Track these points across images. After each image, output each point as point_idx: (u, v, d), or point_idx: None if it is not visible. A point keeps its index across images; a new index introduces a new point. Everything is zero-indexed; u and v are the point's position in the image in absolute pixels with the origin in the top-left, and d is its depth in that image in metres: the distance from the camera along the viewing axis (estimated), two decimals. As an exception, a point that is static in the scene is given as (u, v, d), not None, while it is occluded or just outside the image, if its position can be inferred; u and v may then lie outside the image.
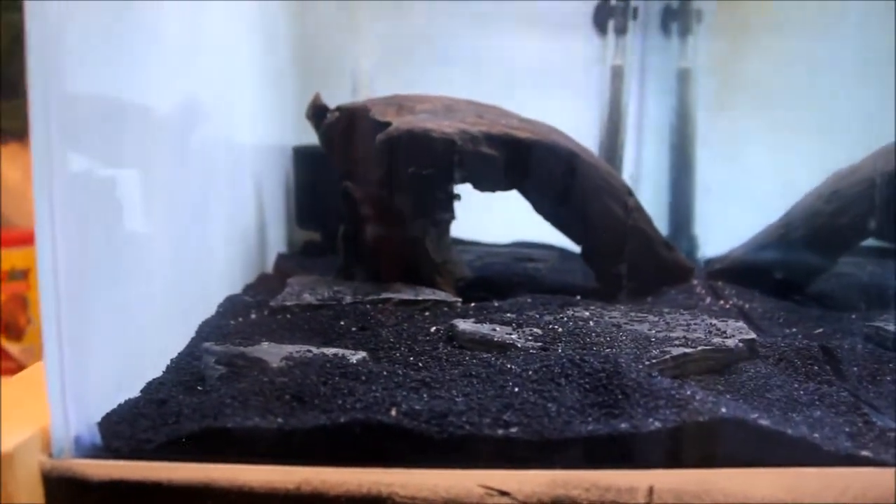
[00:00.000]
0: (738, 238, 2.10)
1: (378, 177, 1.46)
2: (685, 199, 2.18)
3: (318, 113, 1.61)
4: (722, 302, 1.59)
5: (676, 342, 1.17)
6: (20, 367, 1.65)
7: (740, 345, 1.18)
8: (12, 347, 2.04)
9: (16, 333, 2.06)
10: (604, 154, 2.15)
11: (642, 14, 2.17)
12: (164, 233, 1.24)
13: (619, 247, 1.60)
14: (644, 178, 2.22)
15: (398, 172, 1.45)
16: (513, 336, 1.20)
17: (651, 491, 0.90)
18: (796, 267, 1.68)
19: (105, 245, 1.02)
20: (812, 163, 2.07)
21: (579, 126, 2.15)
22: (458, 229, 1.66)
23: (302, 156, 2.04)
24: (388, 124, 1.46)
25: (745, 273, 1.73)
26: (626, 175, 2.12)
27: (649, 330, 1.24)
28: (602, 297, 1.57)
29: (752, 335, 1.23)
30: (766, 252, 1.72)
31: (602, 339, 1.18)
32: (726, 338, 1.20)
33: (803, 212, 1.70)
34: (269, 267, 1.86)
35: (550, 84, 2.17)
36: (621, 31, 2.17)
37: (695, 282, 1.71)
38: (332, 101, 1.63)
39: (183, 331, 1.29)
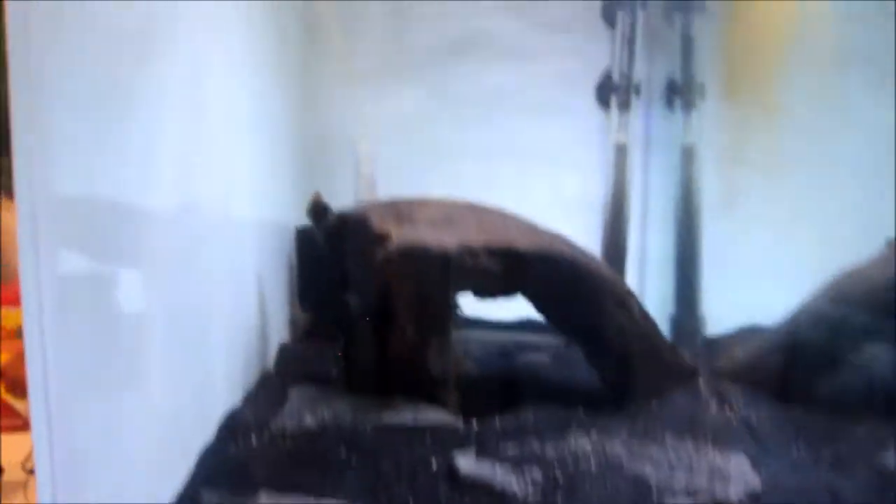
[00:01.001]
0: (744, 313, 2.10)
1: (377, 291, 1.45)
2: (692, 278, 2.16)
3: (318, 212, 1.60)
4: (728, 411, 1.57)
5: (677, 490, 1.16)
6: (26, 424, 1.65)
7: (743, 497, 1.16)
8: (18, 405, 2.04)
9: (21, 391, 2.06)
10: (608, 233, 2.14)
11: (645, 89, 2.16)
12: (162, 340, 1.19)
13: (623, 354, 1.59)
14: (650, 255, 2.20)
15: (397, 288, 1.44)
16: (512, 482, 1.19)
17: None
18: (804, 371, 1.66)
19: (97, 355, 0.98)
20: (819, 240, 2.06)
21: (584, 204, 2.16)
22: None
23: (304, 237, 2.03)
24: (386, 236, 1.45)
25: (752, 375, 1.71)
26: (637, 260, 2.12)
27: (651, 472, 1.22)
28: (605, 403, 1.55)
29: (755, 480, 1.21)
30: (773, 355, 1.70)
31: (601, 491, 1.17)
32: (728, 483, 1.19)
33: (810, 315, 1.68)
34: (271, 360, 1.85)
35: (555, 163, 2.16)
36: (624, 106, 2.15)
37: (700, 382, 1.69)
38: (335, 179, 1.62)
39: (182, 462, 1.28)
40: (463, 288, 1.50)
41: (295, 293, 2.07)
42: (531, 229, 1.58)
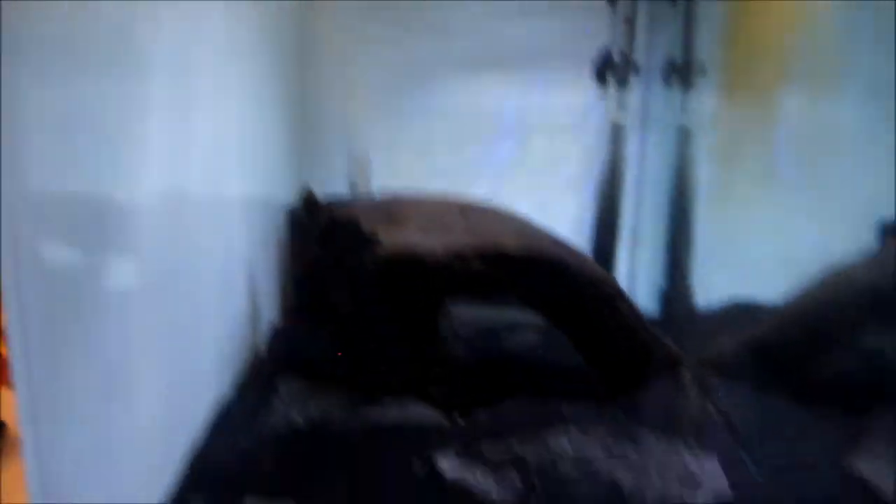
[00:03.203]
0: (735, 289, 2.11)
1: (366, 295, 1.48)
2: (683, 253, 2.17)
3: (310, 208, 1.61)
4: (708, 405, 1.60)
5: (648, 496, 1.20)
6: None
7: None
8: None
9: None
10: (601, 209, 2.14)
11: (644, 68, 2.13)
12: (152, 334, 1.20)
13: (608, 345, 1.61)
14: (643, 231, 2.21)
15: (387, 294, 1.46)
16: (491, 486, 1.23)
17: None
18: (788, 367, 1.69)
19: (84, 352, 0.98)
20: (814, 225, 2.06)
21: (579, 180, 2.16)
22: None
23: (296, 218, 2.04)
24: (376, 240, 1.47)
25: (736, 368, 1.74)
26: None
27: (623, 476, 1.26)
28: (591, 391, 1.59)
29: (724, 485, 1.25)
30: (758, 351, 1.73)
31: (576, 493, 1.21)
32: (697, 488, 1.23)
33: (796, 313, 1.70)
34: (262, 342, 1.88)
35: (550, 139, 2.15)
36: (622, 84, 2.13)
37: (683, 371, 1.72)
38: (329, 157, 1.60)
39: (171, 459, 1.31)
40: (452, 293, 1.52)
41: (287, 274, 2.09)
42: (522, 228, 1.59)
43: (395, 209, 1.54)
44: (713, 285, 2.20)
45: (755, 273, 2.08)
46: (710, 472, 1.29)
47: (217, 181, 1.58)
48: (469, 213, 1.58)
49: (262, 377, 1.69)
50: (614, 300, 1.59)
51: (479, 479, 1.25)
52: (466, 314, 2.01)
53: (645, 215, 2.21)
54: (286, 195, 2.03)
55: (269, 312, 2.00)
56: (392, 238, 1.47)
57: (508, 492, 1.23)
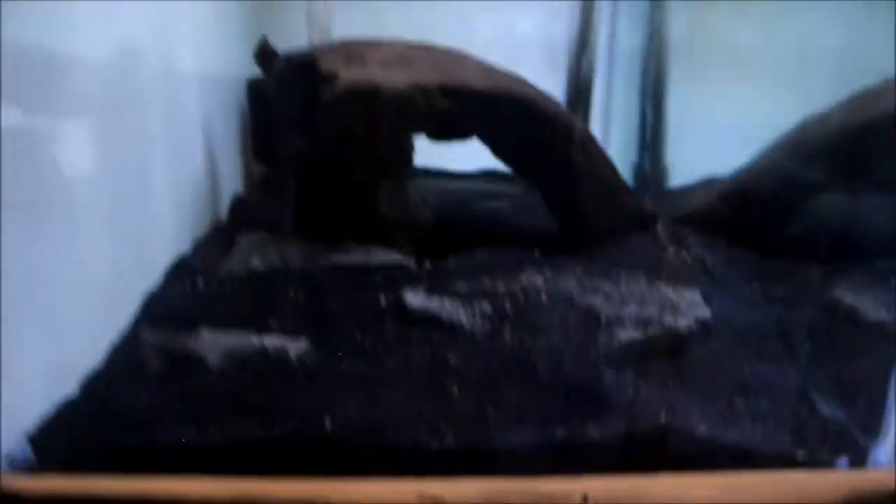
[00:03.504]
0: (709, 167, 2.06)
1: (326, 134, 1.40)
2: (656, 129, 2.12)
3: (266, 58, 1.53)
4: (684, 252, 1.56)
5: (628, 322, 1.16)
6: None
7: (692, 325, 1.16)
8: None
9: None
10: (572, 81, 2.07)
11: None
12: (98, 187, 1.16)
13: (582, 197, 1.56)
14: (615, 104, 2.15)
15: (347, 130, 1.39)
16: (461, 316, 1.18)
17: (586, 498, 0.90)
18: (761, 216, 1.64)
19: (25, 209, 0.94)
20: (791, 94, 2.00)
21: (548, 53, 2.08)
22: (424, 153, 1.60)
23: (256, 88, 1.95)
24: (335, 77, 1.39)
25: (711, 218, 1.69)
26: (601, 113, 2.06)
27: (602, 305, 1.22)
28: (561, 247, 1.54)
29: (706, 312, 1.21)
30: (732, 200, 1.68)
31: (551, 322, 1.16)
32: (679, 314, 1.19)
33: (769, 161, 1.65)
34: (224, 209, 1.81)
35: (518, 10, 2.07)
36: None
37: (658, 227, 1.67)
38: (287, 34, 1.54)
39: (126, 304, 1.25)
40: (416, 129, 1.45)
41: (249, 145, 2.02)
42: (488, 70, 1.51)
43: (354, 50, 1.46)
44: (686, 164, 2.16)
45: (730, 151, 2.01)
46: (691, 301, 1.25)
47: (169, 50, 1.51)
48: (433, 53, 1.51)
49: (221, 235, 1.62)
50: (586, 145, 1.53)
51: (447, 308, 1.20)
52: (433, 184, 1.95)
53: (617, 91, 2.14)
54: (245, 67, 1.94)
55: (231, 183, 1.93)
56: (351, 74, 1.39)
57: (479, 319, 1.17)
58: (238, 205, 1.80)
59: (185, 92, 1.64)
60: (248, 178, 2.04)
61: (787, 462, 0.93)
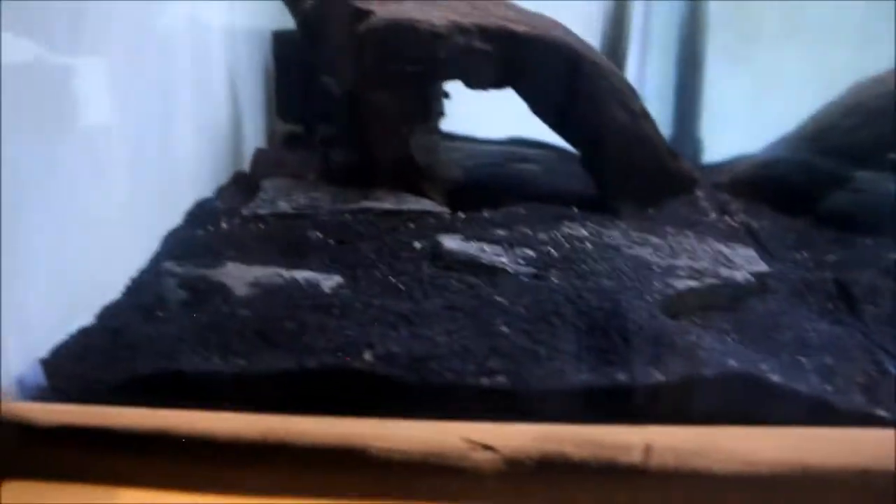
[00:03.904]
0: (745, 143, 1.98)
1: (359, 72, 1.32)
2: (692, 100, 2.03)
3: (295, -4, 1.45)
4: (728, 218, 1.48)
5: (681, 273, 1.08)
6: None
7: (750, 278, 1.08)
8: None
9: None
10: (607, 47, 1.99)
11: None
12: (121, 129, 1.11)
13: (622, 154, 1.48)
14: (649, 79, 2.06)
15: (381, 68, 1.31)
16: (503, 259, 1.10)
17: (648, 449, 0.82)
18: (810, 182, 1.57)
19: (47, 145, 0.90)
20: (834, 68, 1.92)
21: (582, 17, 2.00)
22: (450, 122, 1.54)
23: (283, 42, 1.88)
24: (370, 13, 1.31)
25: (755, 186, 1.62)
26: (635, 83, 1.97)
27: (651, 256, 1.14)
28: (601, 207, 1.46)
29: (763, 266, 1.14)
30: (778, 165, 1.61)
31: (600, 268, 1.08)
32: (735, 269, 1.11)
33: (820, 124, 1.57)
34: (246, 164, 1.74)
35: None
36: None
37: (699, 193, 1.60)
38: None
39: (146, 243, 1.19)
40: (452, 73, 1.37)
41: (273, 102, 1.94)
42: (529, 15, 1.44)
43: (392, -12, 1.38)
44: (723, 139, 2.08)
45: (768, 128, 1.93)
46: (746, 256, 1.17)
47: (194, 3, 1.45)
48: (476, -2, 1.42)
49: (244, 182, 1.54)
50: (628, 97, 1.45)
51: (487, 251, 1.12)
52: (463, 148, 1.88)
53: (653, 58, 2.06)
54: (272, 19, 1.87)
55: (254, 139, 1.86)
56: (387, 10, 1.31)
57: (523, 263, 1.09)
58: (261, 156, 1.72)
59: (211, 38, 1.58)
60: (272, 134, 1.97)
61: (862, 419, 0.86)
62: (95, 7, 1.01)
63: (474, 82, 1.41)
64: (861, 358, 0.96)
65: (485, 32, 1.34)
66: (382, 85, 1.32)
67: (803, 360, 0.94)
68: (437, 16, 1.31)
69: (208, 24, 1.55)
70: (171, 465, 0.80)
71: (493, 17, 1.37)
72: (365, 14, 1.31)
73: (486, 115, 1.86)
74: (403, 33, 1.29)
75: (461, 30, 1.31)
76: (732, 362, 0.85)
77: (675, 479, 0.81)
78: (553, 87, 1.42)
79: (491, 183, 1.63)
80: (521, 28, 1.37)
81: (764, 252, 1.32)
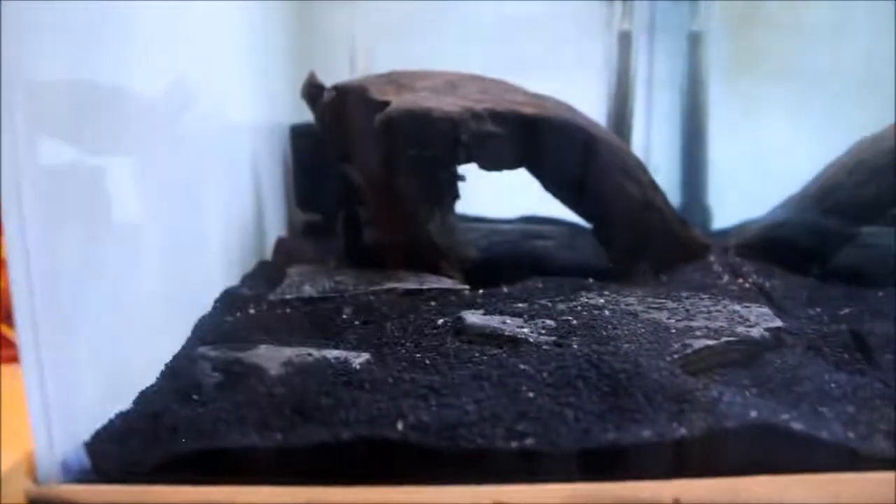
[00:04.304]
0: (751, 209, 2.02)
1: (377, 159, 1.39)
2: (698, 169, 2.10)
3: (313, 92, 1.53)
4: (741, 280, 1.51)
5: (698, 333, 1.11)
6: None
7: (766, 334, 1.11)
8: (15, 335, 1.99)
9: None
10: (612, 124, 2.07)
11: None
12: (154, 224, 1.18)
13: (633, 225, 1.53)
14: (655, 147, 2.13)
15: (399, 154, 1.38)
16: (525, 329, 1.14)
17: (678, 502, 0.84)
18: (818, 241, 1.61)
19: (87, 241, 0.95)
20: (828, 133, 1.98)
21: (587, 95, 2.08)
22: (463, 204, 1.59)
23: (300, 135, 1.97)
24: (386, 104, 1.39)
25: (764, 248, 1.66)
26: (642, 155, 2.04)
27: (668, 318, 1.17)
28: (615, 277, 1.50)
29: (778, 322, 1.16)
30: (786, 226, 1.65)
31: (619, 332, 1.11)
32: (750, 326, 1.14)
33: (824, 183, 1.62)
34: (269, 253, 1.80)
35: (558, 53, 2.08)
36: (628, -11, 2.07)
37: (711, 258, 1.64)
38: (331, 79, 1.55)
39: (179, 330, 1.23)
40: (467, 157, 1.43)
41: (292, 193, 2.02)
42: (537, 97, 1.51)
43: (405, 79, 1.47)
44: (729, 206, 2.13)
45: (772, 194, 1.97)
46: (761, 314, 1.20)
47: (222, 102, 1.55)
48: (483, 81, 1.50)
49: (268, 270, 1.59)
50: (636, 170, 1.51)
51: (509, 324, 1.16)
52: (478, 227, 1.94)
53: (657, 125, 2.13)
54: (289, 115, 1.97)
55: (275, 228, 1.93)
56: (403, 99, 1.38)
57: (544, 333, 1.13)
58: (283, 244, 1.78)
59: (236, 134, 1.67)
60: (291, 224, 2.04)
61: (887, 464, 0.87)
62: (119, 108, 1.07)
63: (488, 165, 1.47)
64: (882, 406, 0.98)
65: (496, 117, 1.41)
66: (401, 170, 1.38)
67: (825, 410, 0.96)
68: (449, 102, 1.38)
69: (234, 121, 1.63)
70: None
71: (503, 101, 1.44)
72: (382, 105, 1.39)
73: (503, 196, 1.93)
74: (419, 120, 1.36)
75: (474, 115, 1.39)
76: (753, 413, 0.87)
77: (707, 532, 0.83)
78: (564, 164, 1.49)
79: (507, 260, 1.68)
80: (530, 110, 1.44)
81: (778, 310, 1.35)
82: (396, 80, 1.46)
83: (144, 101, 1.16)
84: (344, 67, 2.03)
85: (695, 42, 2.08)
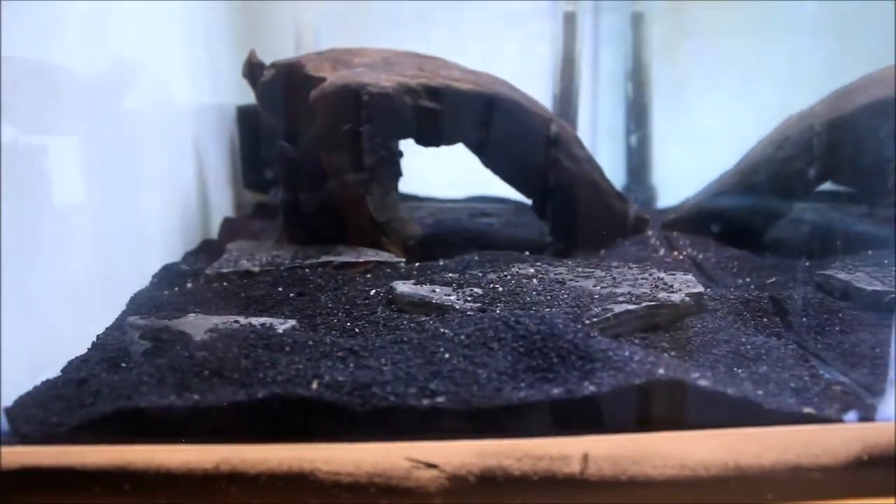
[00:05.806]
0: (694, 187, 2.06)
1: (315, 135, 1.40)
2: (642, 149, 2.13)
3: (254, 70, 1.54)
4: (675, 253, 1.55)
5: (620, 298, 1.13)
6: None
7: (686, 299, 1.14)
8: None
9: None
10: (558, 104, 2.09)
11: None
12: (89, 201, 1.19)
13: (570, 200, 1.55)
14: (601, 125, 2.16)
15: (335, 130, 1.39)
16: (451, 297, 1.16)
17: (586, 458, 0.86)
18: (751, 215, 1.65)
19: (19, 216, 0.96)
20: (768, 108, 2.01)
21: (533, 76, 2.11)
22: (411, 185, 1.61)
23: (246, 115, 1.97)
24: (322, 80, 1.40)
25: (700, 222, 1.69)
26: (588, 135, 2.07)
27: (594, 286, 1.20)
28: (555, 251, 1.53)
29: (700, 288, 1.19)
30: (720, 200, 1.69)
31: (543, 298, 1.14)
32: (672, 292, 1.17)
33: (756, 159, 1.65)
34: (215, 232, 1.80)
35: (502, 33, 2.10)
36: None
37: (650, 233, 1.67)
38: (275, 57, 1.56)
39: (113, 304, 1.24)
40: (403, 132, 1.45)
41: (240, 173, 2.02)
42: (473, 73, 1.53)
43: (342, 56, 1.48)
44: (673, 185, 2.17)
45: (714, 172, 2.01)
46: (684, 281, 1.23)
47: (164, 82, 1.56)
48: (419, 57, 1.52)
49: (210, 247, 1.60)
50: (573, 147, 1.54)
51: (439, 293, 1.18)
52: (422, 207, 1.95)
53: (603, 104, 2.16)
54: (236, 96, 1.97)
55: (221, 210, 1.93)
56: (338, 75, 1.40)
57: (469, 300, 1.15)
58: (228, 223, 1.79)
59: (179, 114, 1.67)
60: (239, 204, 2.04)
61: (794, 419, 0.90)
62: (53, 86, 1.08)
63: (425, 140, 1.49)
64: (794, 366, 1.01)
65: (431, 92, 1.42)
66: (337, 146, 1.39)
67: (738, 370, 0.99)
68: (385, 78, 1.40)
69: (176, 101, 1.63)
70: (130, 499, 0.84)
71: (439, 77, 1.46)
72: (318, 81, 1.40)
73: (456, 177, 1.95)
74: (354, 95, 1.37)
75: (409, 90, 1.40)
76: (661, 371, 0.90)
77: (614, 487, 0.85)
78: (499, 140, 1.50)
79: (450, 236, 1.70)
80: (466, 86, 1.46)
81: (708, 280, 1.38)
82: (334, 56, 1.47)
83: (80, 80, 1.17)
84: (290, 47, 2.04)
85: (637, 22, 2.10)
